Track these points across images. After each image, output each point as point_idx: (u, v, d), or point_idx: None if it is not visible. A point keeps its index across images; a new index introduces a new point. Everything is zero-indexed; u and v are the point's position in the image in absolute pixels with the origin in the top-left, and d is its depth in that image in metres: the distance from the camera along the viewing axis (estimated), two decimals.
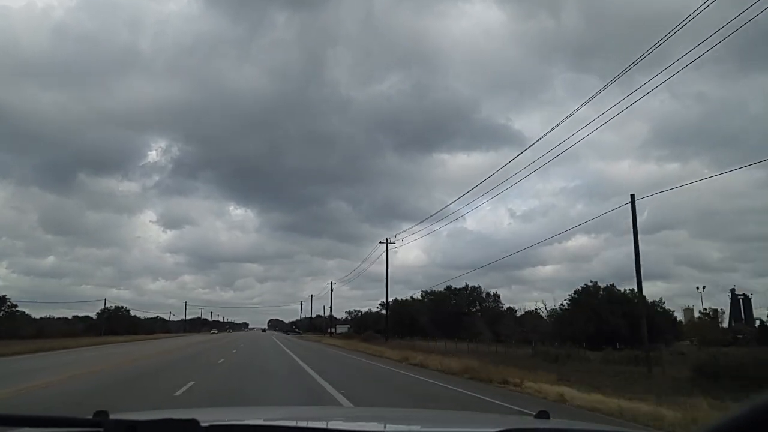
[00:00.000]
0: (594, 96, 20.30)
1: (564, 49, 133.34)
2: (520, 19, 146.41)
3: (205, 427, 1.58)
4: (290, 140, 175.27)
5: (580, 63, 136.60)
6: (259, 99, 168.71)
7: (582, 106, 29.66)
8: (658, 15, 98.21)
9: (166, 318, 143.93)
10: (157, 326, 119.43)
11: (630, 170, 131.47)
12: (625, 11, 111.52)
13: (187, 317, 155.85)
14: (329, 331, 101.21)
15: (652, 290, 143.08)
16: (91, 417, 1.66)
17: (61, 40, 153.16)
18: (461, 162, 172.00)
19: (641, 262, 24.86)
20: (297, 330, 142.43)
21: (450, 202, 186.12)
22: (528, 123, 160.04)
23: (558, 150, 28.23)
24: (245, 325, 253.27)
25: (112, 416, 1.70)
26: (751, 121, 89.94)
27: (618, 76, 19.28)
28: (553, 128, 23.54)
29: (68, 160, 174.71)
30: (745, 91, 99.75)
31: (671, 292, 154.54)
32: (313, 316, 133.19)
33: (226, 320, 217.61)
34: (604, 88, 20.14)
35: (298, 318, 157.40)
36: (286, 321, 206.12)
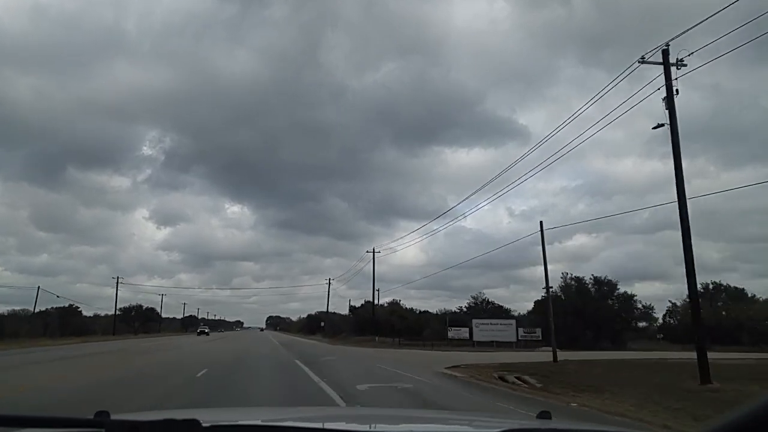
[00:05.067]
0: (602, 92, 19.82)
1: (573, 41, 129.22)
2: (528, 8, 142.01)
3: (206, 428, 1.58)
4: (285, 131, 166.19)
5: (590, 55, 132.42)
6: (253, 86, 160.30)
7: (587, 98, 28.83)
8: (672, 4, 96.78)
9: (104, 313, 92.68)
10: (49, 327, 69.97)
11: (633, 168, 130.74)
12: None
13: (121, 309, 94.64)
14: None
15: (650, 290, 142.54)
16: (92, 417, 1.66)
17: (41, 21, 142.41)
18: (461, 157, 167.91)
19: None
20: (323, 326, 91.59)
21: (450, 202, 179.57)
22: (532, 118, 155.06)
23: (564, 149, 27.83)
24: (239, 323, 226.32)
25: (113, 417, 1.71)
26: (765, 114, 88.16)
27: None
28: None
29: (56, 152, 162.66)
30: (760, 83, 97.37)
31: (669, 292, 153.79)
32: (357, 305, 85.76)
33: (216, 317, 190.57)
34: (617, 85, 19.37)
35: (324, 310, 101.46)
36: (294, 318, 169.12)
